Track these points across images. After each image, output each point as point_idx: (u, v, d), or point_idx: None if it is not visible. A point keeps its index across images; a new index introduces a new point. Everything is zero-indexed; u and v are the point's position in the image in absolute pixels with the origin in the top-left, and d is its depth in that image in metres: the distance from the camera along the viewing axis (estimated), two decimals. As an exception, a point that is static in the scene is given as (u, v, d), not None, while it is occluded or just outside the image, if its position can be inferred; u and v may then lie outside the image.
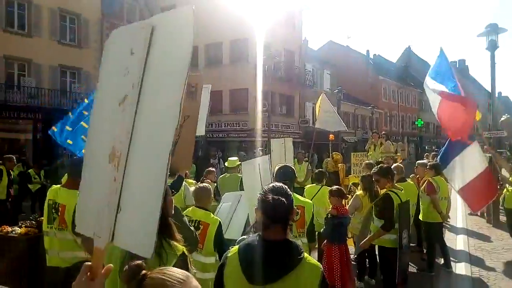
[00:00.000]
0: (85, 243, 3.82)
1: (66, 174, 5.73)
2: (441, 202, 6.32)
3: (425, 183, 6.43)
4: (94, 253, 1.26)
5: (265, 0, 23.50)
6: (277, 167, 3.85)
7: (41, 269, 4.56)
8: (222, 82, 23.73)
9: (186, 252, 1.99)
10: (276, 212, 1.82)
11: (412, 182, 6.98)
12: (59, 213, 3.85)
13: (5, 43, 18.31)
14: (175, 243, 1.99)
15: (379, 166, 5.39)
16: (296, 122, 27.97)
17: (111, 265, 1.24)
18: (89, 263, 1.24)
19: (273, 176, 3.93)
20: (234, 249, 1.91)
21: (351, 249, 6.79)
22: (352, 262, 6.50)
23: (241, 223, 4.42)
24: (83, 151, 2.05)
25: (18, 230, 5.29)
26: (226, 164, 7.10)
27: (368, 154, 10.94)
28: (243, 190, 6.16)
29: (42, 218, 5.35)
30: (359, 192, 5.86)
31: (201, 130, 4.72)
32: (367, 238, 4.87)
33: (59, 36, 20.73)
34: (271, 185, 1.97)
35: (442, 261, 6.53)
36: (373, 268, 5.91)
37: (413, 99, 51.89)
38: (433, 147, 53.92)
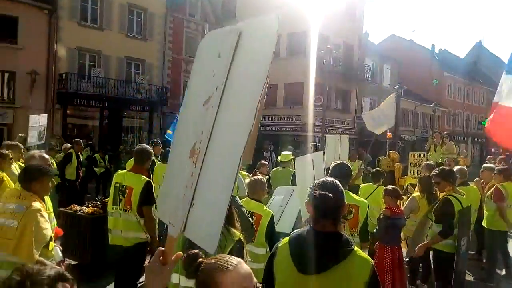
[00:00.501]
0: (147, 225, 4.09)
1: (130, 160, 6.11)
2: (509, 210, 5.89)
3: (493, 188, 6.01)
4: (167, 240, 1.36)
5: (325, -9, 23.05)
6: (333, 164, 3.82)
7: (104, 246, 4.93)
8: (278, 76, 23.74)
9: (242, 239, 2.06)
10: (324, 207, 1.85)
11: (475, 187, 6.56)
12: (126, 195, 4.13)
13: (79, 35, 19.74)
14: (233, 229, 2.08)
15: (440, 168, 5.13)
16: (351, 118, 27.27)
17: (180, 252, 1.33)
18: (163, 248, 1.34)
19: (327, 172, 3.90)
20: (285, 239, 1.95)
21: (405, 251, 6.56)
22: (404, 265, 6.30)
23: (293, 217, 4.45)
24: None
25: (85, 209, 5.76)
26: (279, 158, 7.15)
27: (427, 154, 10.41)
28: (295, 184, 6.20)
29: (107, 200, 5.78)
30: (416, 193, 5.62)
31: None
32: (423, 244, 4.67)
33: (126, 29, 21.94)
34: (321, 180, 1.99)
35: (503, 272, 6.10)
36: (426, 273, 5.67)
37: (480, 98, 48.30)
38: (500, 150, 50.04)
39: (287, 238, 1.94)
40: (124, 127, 22.91)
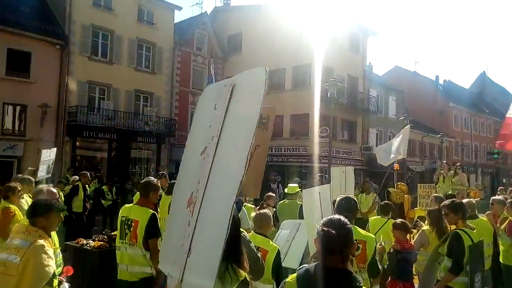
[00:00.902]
0: (153, 258, 4.06)
1: (137, 193, 6.14)
2: (525, 244, 5.74)
3: (506, 222, 5.87)
4: None
5: (329, 25, 23.62)
6: (338, 198, 3.81)
7: (111, 280, 4.88)
8: (284, 107, 23.95)
9: (248, 279, 2.05)
10: (330, 244, 1.86)
11: (485, 219, 6.40)
12: (132, 229, 4.13)
13: (90, 69, 20.34)
14: (239, 269, 2.06)
15: (451, 200, 5.06)
16: (358, 149, 27.24)
17: None
18: None
19: (334, 206, 3.89)
20: (293, 275, 1.95)
21: (416, 286, 6.38)
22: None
23: (300, 252, 4.40)
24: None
25: (92, 243, 5.73)
26: (285, 190, 7.14)
27: (436, 186, 10.32)
28: (301, 217, 6.15)
29: (114, 233, 5.76)
30: (425, 227, 5.54)
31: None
32: (439, 283, 4.53)
33: (135, 63, 22.57)
34: (329, 217, 2.01)
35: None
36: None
37: (488, 128, 48.16)
38: (511, 180, 49.29)
39: (295, 274, 1.94)
40: (132, 158, 23.10)
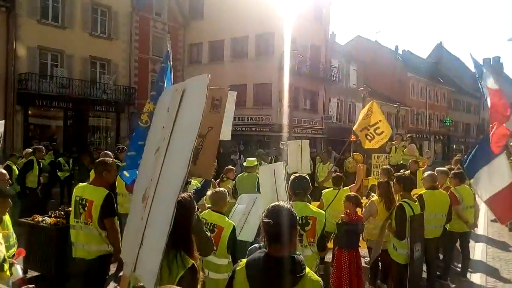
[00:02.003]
0: (110, 236, 4.10)
1: (91, 172, 6.06)
2: (468, 211, 6.21)
3: (448, 193, 6.33)
4: (122, 279, 1.45)
5: (293, -6, 23.35)
6: (292, 176, 3.97)
7: (67, 257, 4.88)
8: (247, 76, 23.87)
9: (196, 266, 2.13)
10: (272, 233, 1.97)
11: (443, 191, 6.32)
12: (86, 209, 4.11)
13: (40, 34, 19.06)
14: (187, 256, 2.14)
15: (400, 173, 5.42)
16: (319, 118, 27.81)
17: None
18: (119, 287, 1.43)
19: (287, 183, 4.06)
20: (242, 262, 2.06)
21: (364, 252, 6.86)
22: (365, 265, 6.59)
23: (255, 226, 4.57)
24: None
25: (48, 220, 5.65)
26: (244, 163, 7.27)
27: (389, 156, 10.85)
28: (260, 189, 6.34)
29: (70, 208, 5.70)
30: (375, 198, 5.90)
31: (226, 135, 4.88)
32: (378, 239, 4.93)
33: (90, 28, 21.37)
34: (272, 205, 2.09)
35: (458, 270, 6.50)
36: (385, 273, 5.96)
37: (442, 97, 50.47)
38: (461, 147, 52.54)
39: (244, 262, 2.05)
40: (90, 127, 22.35)
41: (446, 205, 5.90)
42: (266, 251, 2.00)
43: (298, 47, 21.48)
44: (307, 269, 1.97)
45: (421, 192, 5.77)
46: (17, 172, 8.57)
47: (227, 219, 3.93)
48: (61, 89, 19.43)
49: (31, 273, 5.68)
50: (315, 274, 2.01)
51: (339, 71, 29.93)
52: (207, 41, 26.61)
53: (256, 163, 7.11)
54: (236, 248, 3.84)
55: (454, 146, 52.98)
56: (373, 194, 6.79)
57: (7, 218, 3.40)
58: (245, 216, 4.74)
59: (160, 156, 1.52)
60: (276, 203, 2.12)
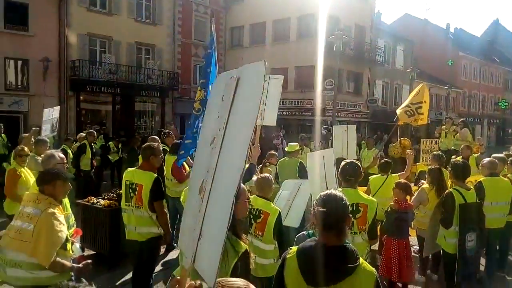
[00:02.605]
0: (160, 219, 4.25)
1: (140, 157, 6.26)
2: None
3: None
4: (181, 271, 1.47)
5: (337, -28, 22.47)
6: (343, 163, 3.86)
7: (120, 237, 5.13)
8: (288, 59, 23.52)
9: (248, 250, 2.16)
10: (325, 222, 1.94)
11: (506, 179, 5.83)
12: (136, 192, 4.27)
13: (89, 21, 19.79)
14: (239, 240, 2.18)
15: (454, 159, 5.13)
16: (363, 101, 27.00)
17: (193, 282, 1.43)
18: (178, 278, 1.45)
19: (337, 170, 3.96)
20: (292, 251, 2.04)
21: (414, 240, 6.63)
22: (415, 254, 6.38)
23: (300, 212, 4.55)
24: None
25: (102, 201, 5.95)
26: (286, 148, 7.21)
27: (439, 141, 10.33)
28: (301, 174, 6.27)
29: (121, 191, 5.96)
30: (425, 185, 5.66)
31: (272, 120, 4.85)
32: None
33: (135, 14, 21.88)
34: (325, 193, 2.05)
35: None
36: (436, 263, 5.75)
37: (497, 78, 47.14)
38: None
39: (294, 249, 2.03)
40: (136, 112, 23.16)
41: (509, 193, 5.49)
42: (318, 239, 1.98)
43: (342, 28, 20.77)
44: (361, 259, 1.92)
45: (481, 179, 5.42)
46: (71, 155, 9.08)
47: (272, 205, 3.93)
48: (109, 75, 20.19)
49: (87, 252, 6.02)
50: (369, 265, 1.95)
51: (385, 52, 28.71)
52: (248, 24, 26.41)
53: (297, 148, 7.04)
54: (282, 234, 3.84)
55: (510, 131, 49.64)
56: (422, 181, 6.52)
57: (66, 200, 3.60)
58: (290, 202, 4.72)
59: (216, 147, 1.49)
60: (330, 191, 2.08)
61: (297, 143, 7.61)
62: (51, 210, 3.05)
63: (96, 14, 20.26)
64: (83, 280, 1.19)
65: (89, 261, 3.25)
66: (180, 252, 2.40)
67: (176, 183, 6.30)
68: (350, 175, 3.71)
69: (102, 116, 22.20)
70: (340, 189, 3.75)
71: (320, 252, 1.90)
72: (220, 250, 1.31)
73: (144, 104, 23.49)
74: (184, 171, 6.32)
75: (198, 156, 1.77)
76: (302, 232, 2.99)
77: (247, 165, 4.17)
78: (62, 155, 4.05)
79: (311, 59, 22.63)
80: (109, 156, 12.45)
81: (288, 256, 2.03)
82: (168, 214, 4.47)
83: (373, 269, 1.93)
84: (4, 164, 8.45)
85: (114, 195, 6.16)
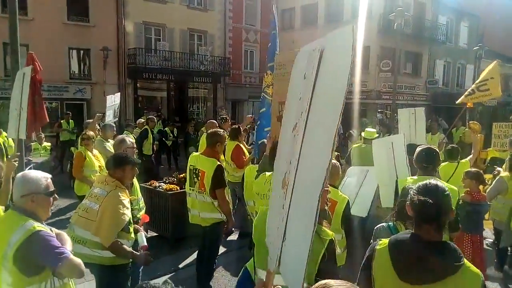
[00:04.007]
0: (221, 207, 4.23)
1: (203, 137, 6.30)
2: None
3: None
4: (267, 273, 1.34)
5: None
6: (418, 148, 3.56)
7: (182, 220, 5.22)
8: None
9: (334, 238, 2.03)
10: (426, 214, 1.75)
11: None
12: (199, 178, 4.28)
13: (144, 10, 20.33)
14: (324, 228, 2.06)
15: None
16: (422, 83, 25.49)
17: (280, 286, 1.30)
18: (263, 279, 1.33)
19: (407, 156, 3.68)
20: (383, 242, 1.87)
21: (488, 232, 6.13)
22: (487, 247, 5.90)
23: (368, 200, 4.32)
24: None
25: (163, 185, 6.09)
26: (363, 134, 6.84)
27: (515, 125, 9.39)
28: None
29: (182, 175, 6.07)
30: (504, 173, 5.15)
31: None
32: None
33: (188, 1, 22.12)
34: (424, 182, 1.86)
35: None
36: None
37: None
38: None
39: (385, 242, 1.86)
40: (189, 98, 23.66)
41: None
42: (414, 232, 1.80)
43: (399, 5, 19.56)
44: (465, 260, 1.70)
45: None
46: (133, 140, 9.42)
47: (340, 192, 3.74)
48: (164, 62, 20.70)
49: (151, 234, 6.23)
50: (473, 266, 1.73)
51: (447, 29, 26.75)
52: (299, 5, 25.76)
53: (376, 135, 6.67)
54: (350, 223, 3.65)
55: None
56: (499, 169, 5.97)
57: (136, 184, 3.68)
58: (356, 190, 4.50)
59: (299, 133, 1.28)
60: (430, 180, 1.87)
61: (375, 130, 7.21)
62: (117, 192, 3.14)
63: (150, 3, 20.73)
64: (169, 281, 1.17)
65: (149, 254, 3.24)
66: (258, 250, 2.29)
67: (235, 168, 6.28)
68: (428, 162, 3.41)
69: (158, 103, 22.94)
70: (415, 178, 3.48)
71: (418, 246, 1.72)
72: (306, 254, 1.13)
73: (197, 90, 23.92)
74: (243, 157, 6.28)
75: (281, 145, 1.55)
76: (382, 224, 2.79)
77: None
78: (132, 140, 4.17)
79: (366, 39, 21.61)
80: (165, 141, 12.81)
81: (378, 247, 1.86)
82: (230, 202, 4.44)
83: (479, 271, 1.71)
84: (72, 149, 8.98)
85: (175, 179, 6.28)
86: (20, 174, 2.44)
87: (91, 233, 3.03)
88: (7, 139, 7.84)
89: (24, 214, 2.25)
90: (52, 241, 2.20)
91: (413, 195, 1.81)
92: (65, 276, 2.29)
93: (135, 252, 3.19)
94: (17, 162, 3.87)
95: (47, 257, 2.18)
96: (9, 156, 4.42)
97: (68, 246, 2.33)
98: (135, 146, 4.21)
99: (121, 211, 3.08)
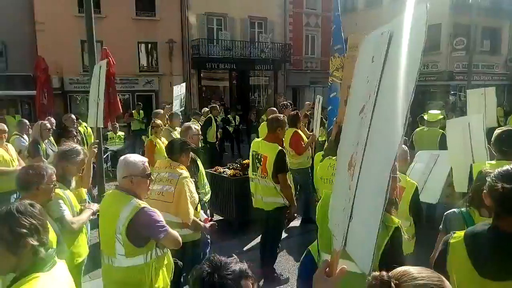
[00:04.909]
0: (284, 191, 4.27)
1: (263, 124, 6.36)
2: None
3: None
4: (332, 253, 1.34)
5: None
6: (498, 130, 3.27)
7: (245, 204, 5.37)
8: (410, 19, 21.32)
9: (400, 226, 1.97)
10: (508, 203, 1.59)
11: None
12: (262, 163, 4.34)
13: (206, 1, 20.77)
14: (389, 215, 2.00)
15: None
16: (502, 61, 23.20)
17: (345, 267, 1.29)
18: (329, 259, 1.33)
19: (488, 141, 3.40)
20: (458, 235, 1.75)
21: None
22: None
23: (439, 187, 4.09)
24: None
25: (228, 171, 6.28)
26: (425, 117, 6.50)
27: None
28: (442, 148, 5.62)
29: (245, 161, 6.20)
30: None
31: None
32: None
33: (247, -12, 22.20)
34: (505, 168, 1.68)
35: None
36: None
37: None
38: None
39: (461, 234, 1.74)
40: (251, 86, 23.92)
41: None
42: (493, 224, 1.65)
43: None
44: None
45: None
46: (198, 128, 9.80)
47: (408, 178, 3.57)
48: (225, 51, 21.08)
49: (216, 217, 6.48)
50: None
51: (533, 0, 23.95)
52: (363, -15, 24.66)
53: (440, 116, 6.30)
54: (418, 209, 3.49)
55: None
56: None
57: (202, 169, 3.89)
58: (426, 176, 4.28)
59: (366, 116, 1.29)
60: (508, 167, 1.69)
61: (439, 111, 6.80)
62: (186, 174, 3.39)
63: (212, -7, 21.15)
64: (234, 255, 1.25)
65: (215, 222, 3.62)
66: (322, 233, 2.29)
67: (295, 154, 6.27)
68: (508, 145, 3.12)
69: (221, 92, 23.51)
70: (493, 162, 3.21)
71: (499, 239, 1.59)
72: (375, 233, 1.12)
73: (258, 78, 24.07)
74: (302, 143, 6.25)
75: (346, 128, 1.56)
76: (453, 210, 2.63)
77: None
78: (197, 127, 4.35)
79: (437, 15, 20.12)
80: (228, 128, 13.16)
81: (452, 241, 1.74)
82: (292, 187, 4.46)
83: None
84: (143, 137, 9.58)
85: (238, 165, 6.43)
86: (122, 157, 2.73)
87: (171, 214, 3.27)
88: (87, 128, 8.57)
89: (127, 193, 2.56)
90: (155, 216, 2.52)
91: (493, 182, 1.65)
92: (166, 246, 2.62)
93: (205, 224, 3.50)
94: (96, 148, 4.23)
95: (153, 230, 2.49)
96: (89, 144, 4.82)
97: (164, 221, 2.60)
98: (200, 133, 4.39)
99: (193, 190, 3.37)
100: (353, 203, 1.25)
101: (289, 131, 6.39)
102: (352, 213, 1.26)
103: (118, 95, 11.94)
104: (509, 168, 1.68)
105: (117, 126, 11.03)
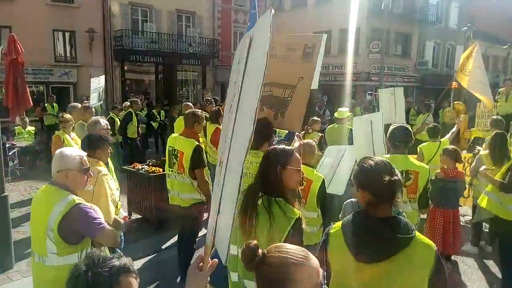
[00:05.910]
0: (201, 187, 4.26)
1: (179, 119, 6.26)
2: None
3: None
4: (204, 247, 1.37)
5: None
6: (391, 127, 3.60)
7: (164, 202, 5.23)
8: (332, 21, 22.48)
9: (301, 217, 2.07)
10: (381, 192, 1.73)
11: None
12: (178, 159, 4.28)
13: (130, -10, 19.89)
14: (291, 206, 2.09)
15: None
16: (412, 64, 25.50)
17: (216, 260, 1.34)
18: (202, 254, 1.36)
19: (386, 135, 3.72)
20: (336, 225, 1.88)
21: (466, 209, 6.26)
22: (466, 224, 6.05)
23: (345, 179, 4.37)
24: None
25: (146, 167, 6.09)
26: (335, 114, 6.93)
27: (497, 105, 9.50)
28: (351, 142, 6.04)
29: (164, 158, 6.06)
30: (483, 152, 5.23)
31: (314, 84, 4.61)
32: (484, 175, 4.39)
33: (175, -20, 21.67)
34: (372, 161, 1.82)
35: None
36: (493, 233, 5.39)
37: None
38: None
39: (338, 225, 1.87)
40: (178, 81, 23.42)
41: None
42: (364, 210, 1.80)
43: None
44: (417, 233, 1.73)
45: None
46: (119, 123, 9.35)
47: (315, 171, 3.77)
48: (151, 44, 20.37)
49: (135, 216, 6.26)
50: (426, 238, 1.76)
51: (438, 10, 26.64)
52: (289, -14, 25.42)
53: (348, 114, 6.75)
54: (325, 201, 3.70)
55: None
56: (479, 147, 6.07)
57: (111, 164, 3.70)
58: (333, 169, 4.54)
59: (232, 115, 1.37)
60: (374, 159, 1.84)
61: (347, 109, 7.26)
62: (105, 171, 3.23)
63: (136, -18, 20.29)
64: (118, 250, 1.23)
65: (133, 221, 3.41)
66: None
67: (216, 151, 6.28)
68: (399, 140, 3.46)
69: (146, 85, 22.69)
70: (388, 156, 3.52)
71: (370, 224, 1.73)
72: (230, 224, 1.22)
73: (186, 72, 23.66)
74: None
75: (223, 126, 1.68)
76: (351, 199, 2.84)
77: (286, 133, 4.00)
78: (106, 122, 4.13)
79: (358, 20, 21.47)
80: (152, 124, 12.76)
81: (331, 231, 1.86)
82: (210, 182, 4.45)
83: (432, 242, 1.73)
84: (57, 132, 8.92)
85: (159, 161, 6.27)
86: (58, 151, 2.56)
87: None
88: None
89: (62, 188, 2.42)
90: (91, 212, 2.40)
91: (367, 172, 1.78)
92: (103, 244, 2.48)
93: (119, 219, 3.31)
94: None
95: (87, 227, 2.38)
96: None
97: (102, 218, 2.49)
98: (109, 127, 4.18)
99: (112, 187, 3.23)
100: (220, 198, 1.31)
101: (211, 126, 6.38)
102: (220, 208, 1.31)
103: (30, 86, 10.97)
104: (370, 158, 1.84)
105: (27, 120, 10.09)
